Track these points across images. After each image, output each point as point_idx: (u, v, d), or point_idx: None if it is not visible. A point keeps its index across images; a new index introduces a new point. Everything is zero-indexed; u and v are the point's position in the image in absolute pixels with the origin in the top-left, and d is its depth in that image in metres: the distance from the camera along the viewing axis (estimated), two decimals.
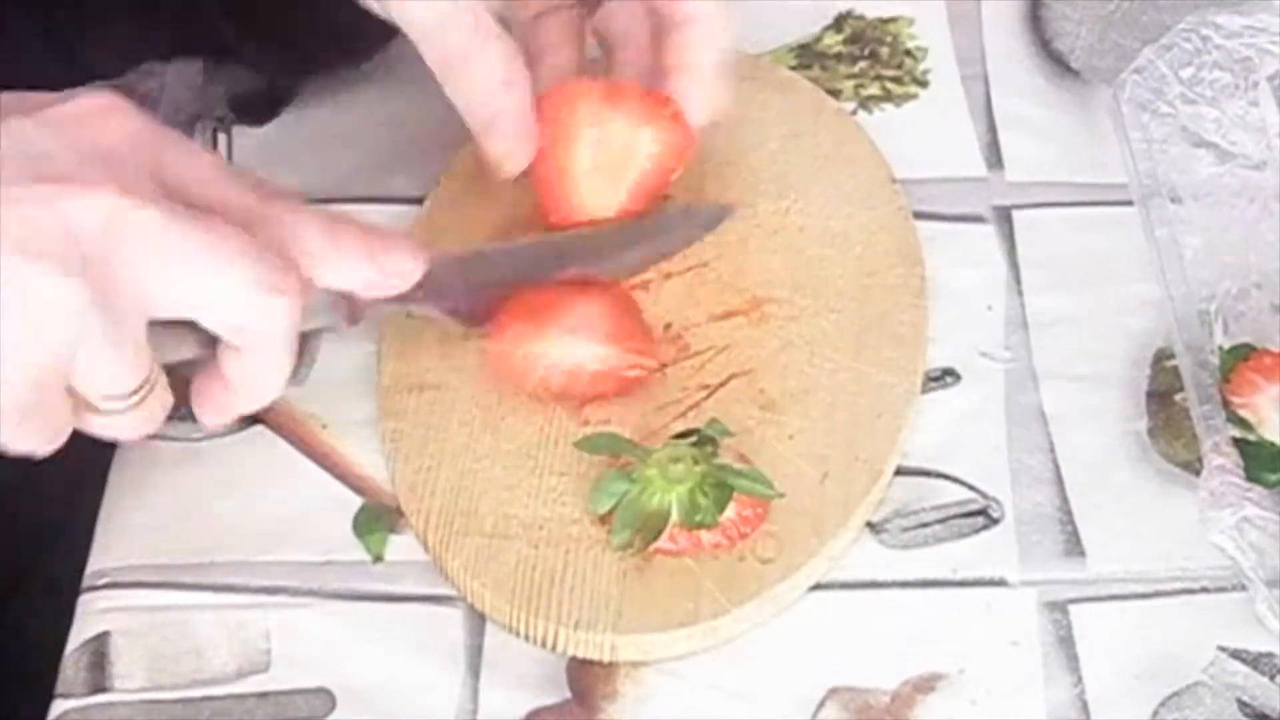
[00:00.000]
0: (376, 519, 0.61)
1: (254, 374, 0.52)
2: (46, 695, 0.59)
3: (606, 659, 0.57)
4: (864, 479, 0.59)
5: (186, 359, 0.53)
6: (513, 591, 0.58)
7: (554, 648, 0.57)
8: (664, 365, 0.62)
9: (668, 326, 0.63)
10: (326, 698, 0.58)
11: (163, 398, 0.52)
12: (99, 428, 0.51)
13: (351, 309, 0.56)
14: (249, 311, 0.50)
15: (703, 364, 0.62)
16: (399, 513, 0.61)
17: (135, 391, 0.50)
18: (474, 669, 0.58)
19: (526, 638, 0.58)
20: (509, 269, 0.62)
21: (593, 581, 0.58)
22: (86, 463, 0.64)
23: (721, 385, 0.61)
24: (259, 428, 0.64)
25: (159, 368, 0.51)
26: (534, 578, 0.58)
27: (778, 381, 0.61)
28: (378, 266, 0.54)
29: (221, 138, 0.73)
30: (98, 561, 0.62)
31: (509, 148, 0.60)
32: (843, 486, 0.59)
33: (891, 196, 0.66)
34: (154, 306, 0.49)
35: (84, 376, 0.49)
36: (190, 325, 0.51)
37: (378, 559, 0.61)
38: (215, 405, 0.54)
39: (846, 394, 0.61)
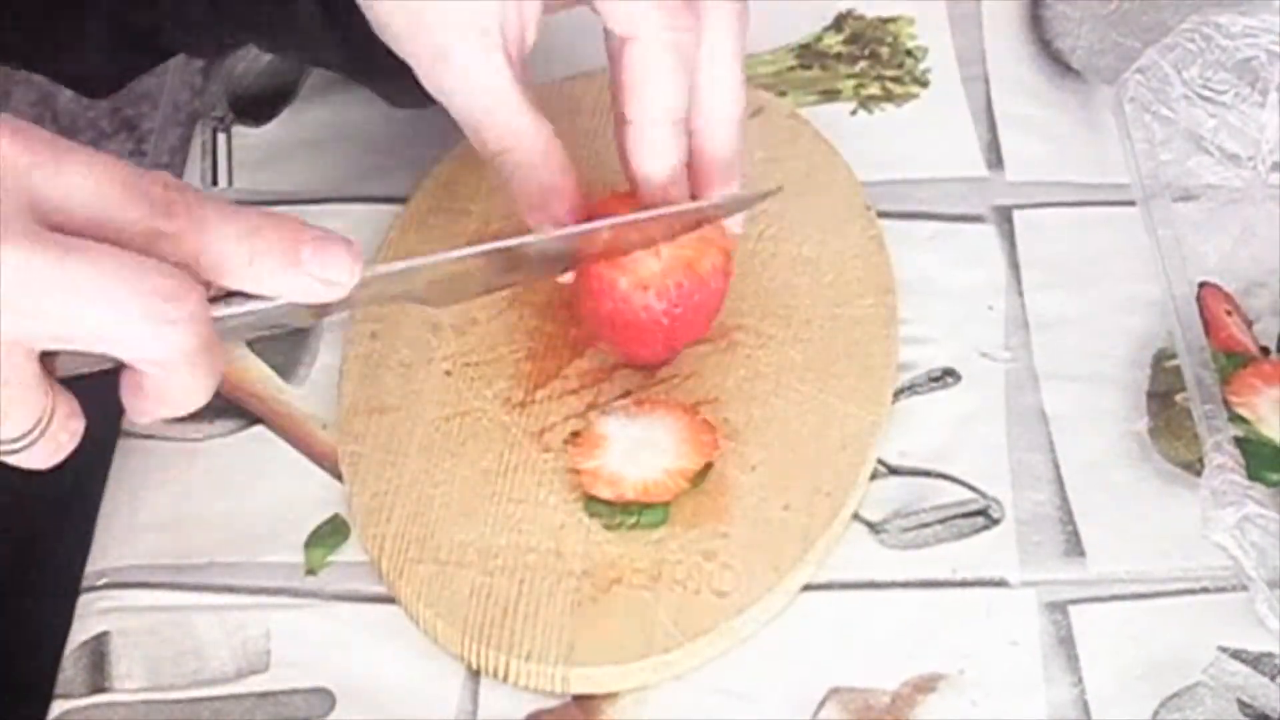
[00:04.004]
0: (335, 532, 0.61)
1: (168, 391, 0.48)
2: (46, 695, 0.59)
3: (559, 691, 0.57)
4: (825, 512, 0.59)
5: (99, 369, 0.49)
6: (465, 621, 0.57)
7: (505, 678, 0.57)
8: (628, 392, 0.62)
9: None
10: (326, 698, 0.58)
11: (68, 427, 0.48)
12: (2, 459, 0.48)
13: (315, 309, 0.51)
14: (138, 343, 0.46)
15: (668, 391, 0.62)
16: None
17: (26, 434, 0.47)
18: (474, 670, 0.58)
19: (477, 669, 0.57)
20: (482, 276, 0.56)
21: (546, 612, 0.57)
22: (86, 462, 0.64)
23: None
24: (259, 428, 0.64)
25: (62, 398, 0.48)
26: (487, 607, 0.57)
27: (742, 411, 0.61)
28: (307, 274, 0.49)
29: (221, 137, 0.73)
30: (97, 561, 0.62)
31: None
32: (803, 519, 0.58)
33: (866, 224, 0.65)
34: (33, 344, 0.46)
35: None
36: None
37: (310, 572, 0.61)
38: (139, 408, 0.50)
39: (811, 425, 0.61)
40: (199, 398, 0.49)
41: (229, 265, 0.48)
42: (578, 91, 0.69)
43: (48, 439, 0.48)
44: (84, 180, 0.46)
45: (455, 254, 0.55)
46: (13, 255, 0.44)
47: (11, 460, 0.48)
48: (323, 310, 0.51)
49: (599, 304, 0.58)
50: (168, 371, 0.48)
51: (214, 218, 0.48)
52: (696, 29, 0.56)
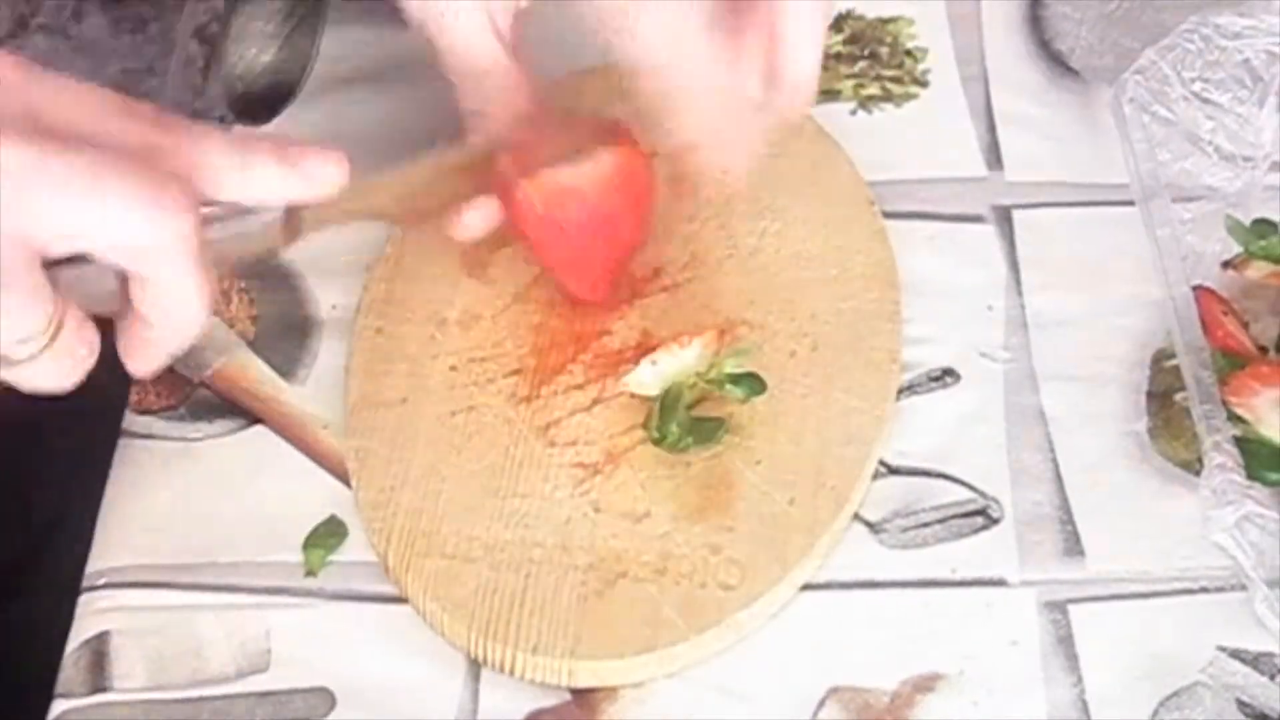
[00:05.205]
0: (333, 533, 0.61)
1: (166, 302, 0.49)
2: (46, 695, 0.59)
3: (564, 684, 0.57)
4: (830, 506, 0.59)
5: (102, 312, 0.50)
6: (471, 615, 0.58)
7: (510, 672, 0.57)
8: None
9: (638, 345, 0.63)
10: (326, 697, 0.58)
11: (82, 336, 0.49)
12: (18, 378, 0.49)
13: (288, 224, 0.53)
14: (135, 229, 0.47)
15: None
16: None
17: (42, 333, 0.48)
18: (474, 669, 0.58)
19: (484, 662, 0.58)
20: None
21: (552, 606, 0.57)
22: (85, 462, 0.65)
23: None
24: (259, 428, 0.65)
25: (72, 309, 0.48)
26: (493, 601, 0.58)
27: (747, 406, 0.61)
28: (298, 172, 0.52)
29: None
30: (98, 561, 0.62)
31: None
32: (809, 514, 0.59)
33: (869, 219, 0.66)
34: (37, 241, 0.47)
35: None
36: (97, 270, 0.48)
37: (309, 574, 0.61)
38: (139, 350, 0.50)
39: (816, 419, 0.61)
40: (197, 314, 0.49)
41: (224, 173, 0.50)
42: (582, 86, 0.69)
43: (58, 350, 0.48)
44: (80, 98, 0.48)
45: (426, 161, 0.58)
46: (14, 154, 0.45)
47: (25, 376, 0.48)
48: (294, 231, 0.53)
49: (512, 213, 0.60)
50: (165, 272, 0.48)
51: (204, 132, 0.50)
52: None
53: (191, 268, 0.48)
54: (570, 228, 0.59)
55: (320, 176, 0.52)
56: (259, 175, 0.51)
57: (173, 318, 0.50)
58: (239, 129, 0.52)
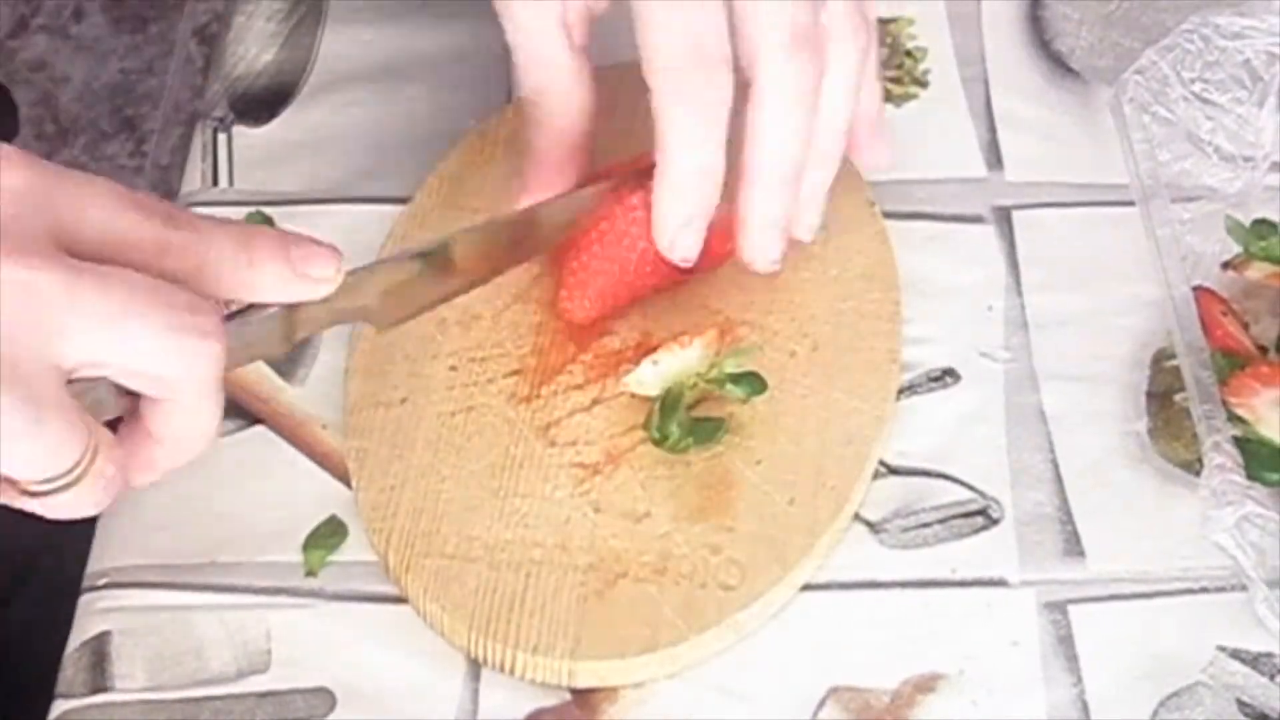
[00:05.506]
0: (333, 533, 0.61)
1: (181, 425, 0.49)
2: (46, 695, 0.59)
3: (564, 685, 0.57)
4: (830, 505, 0.59)
5: (107, 418, 0.49)
6: (471, 615, 0.58)
7: (510, 672, 0.57)
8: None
9: (638, 345, 0.63)
10: (327, 697, 0.58)
11: (112, 456, 0.48)
12: (46, 509, 0.48)
13: (286, 331, 0.52)
14: (166, 360, 0.47)
15: None
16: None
17: (72, 468, 0.47)
18: (474, 669, 0.58)
19: (484, 662, 0.58)
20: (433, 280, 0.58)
21: (552, 607, 0.57)
22: None
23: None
24: (259, 428, 0.65)
25: (100, 429, 0.48)
26: (493, 602, 0.58)
27: (747, 406, 0.61)
28: (299, 275, 0.51)
29: (222, 138, 0.73)
30: (98, 561, 0.62)
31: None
32: (809, 513, 0.59)
33: (870, 219, 0.66)
34: (64, 367, 0.46)
35: (8, 460, 0.45)
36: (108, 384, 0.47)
37: (310, 574, 0.61)
38: (142, 462, 0.50)
39: (816, 419, 0.61)
40: (208, 435, 0.50)
41: (229, 271, 0.49)
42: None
43: (90, 479, 0.47)
44: (97, 199, 0.47)
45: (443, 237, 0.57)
46: (49, 283, 0.45)
47: (53, 506, 0.47)
48: (289, 335, 0.52)
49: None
50: (186, 399, 0.48)
51: (212, 228, 0.49)
52: (818, 73, 0.56)
53: (212, 394, 0.49)
54: (618, 248, 0.60)
55: (319, 274, 0.52)
56: (265, 275, 0.50)
57: (184, 438, 0.49)
58: (239, 222, 0.51)
